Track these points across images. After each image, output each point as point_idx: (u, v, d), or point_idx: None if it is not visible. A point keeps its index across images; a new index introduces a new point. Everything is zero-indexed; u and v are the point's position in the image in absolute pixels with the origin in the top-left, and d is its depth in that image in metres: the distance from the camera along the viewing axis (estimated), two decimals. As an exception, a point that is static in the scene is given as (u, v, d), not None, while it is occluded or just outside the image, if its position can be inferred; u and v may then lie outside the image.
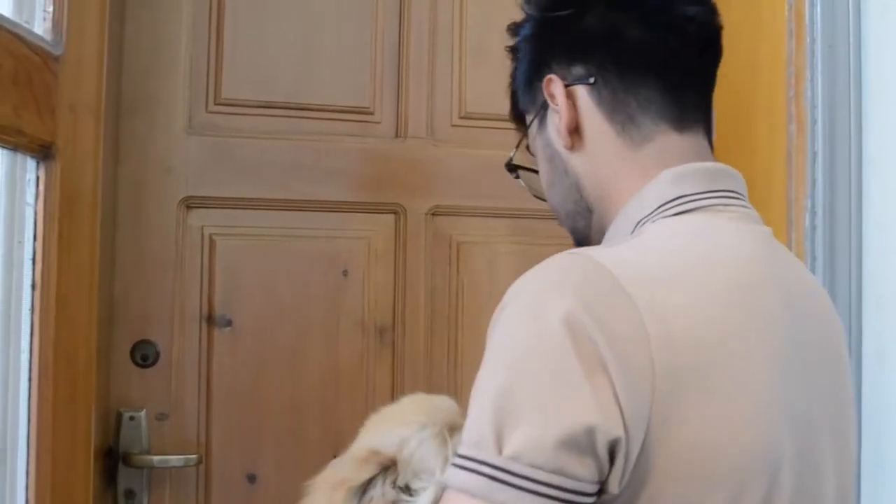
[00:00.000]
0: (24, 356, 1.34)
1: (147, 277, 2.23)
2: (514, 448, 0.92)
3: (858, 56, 1.94)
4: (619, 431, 0.92)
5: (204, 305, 2.27)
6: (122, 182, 2.21)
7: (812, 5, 1.95)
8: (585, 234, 1.30)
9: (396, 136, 2.36)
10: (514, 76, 1.40)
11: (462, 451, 0.96)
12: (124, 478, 2.16)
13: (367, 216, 2.32)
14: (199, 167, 2.25)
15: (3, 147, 1.31)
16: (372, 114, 2.36)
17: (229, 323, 2.28)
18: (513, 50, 1.39)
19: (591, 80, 1.23)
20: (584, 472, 0.91)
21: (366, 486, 1.10)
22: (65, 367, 1.36)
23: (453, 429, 1.15)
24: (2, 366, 1.33)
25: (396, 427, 1.16)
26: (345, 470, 1.12)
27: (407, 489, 1.10)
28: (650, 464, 0.95)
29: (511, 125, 1.47)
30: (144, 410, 2.19)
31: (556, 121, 1.26)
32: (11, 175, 1.33)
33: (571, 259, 1.04)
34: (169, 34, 2.25)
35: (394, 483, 1.08)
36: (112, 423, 2.14)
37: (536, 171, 1.39)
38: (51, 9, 1.35)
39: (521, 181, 1.46)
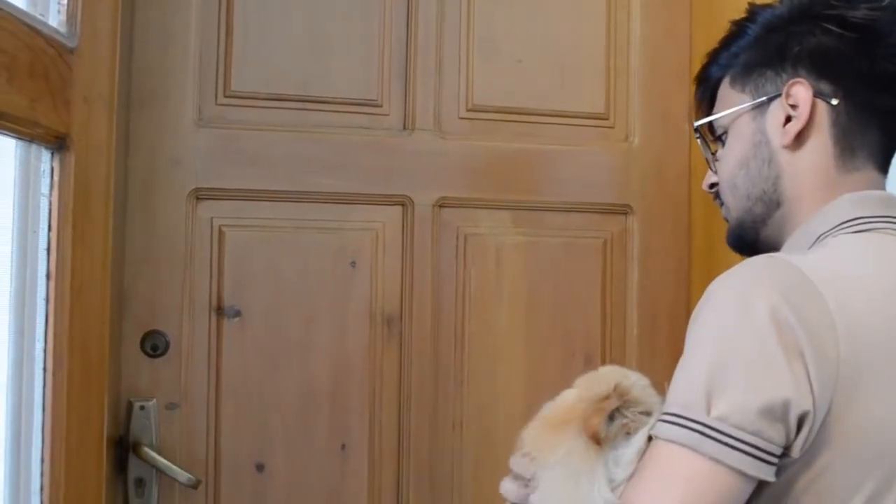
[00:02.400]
0: (39, 345, 1.33)
1: (157, 268, 2.21)
2: (722, 410, 1.08)
3: None
4: (808, 406, 1.09)
5: (213, 296, 2.26)
6: (133, 174, 2.20)
7: None
8: (759, 219, 1.42)
9: (404, 128, 2.34)
10: (735, 46, 1.46)
11: (671, 410, 1.13)
12: (134, 467, 2.15)
13: (374, 208, 2.30)
14: (209, 159, 2.24)
15: (19, 138, 1.29)
16: (380, 106, 2.33)
17: (238, 313, 2.27)
18: (750, 21, 1.44)
19: (835, 102, 1.33)
20: (776, 436, 1.08)
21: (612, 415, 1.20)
22: (78, 355, 1.35)
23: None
24: (17, 354, 1.32)
25: (605, 371, 1.28)
26: (577, 408, 1.22)
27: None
28: (827, 438, 1.11)
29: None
30: (154, 400, 2.19)
31: (781, 118, 1.36)
32: (26, 166, 1.32)
33: (773, 261, 1.21)
34: (178, 27, 2.23)
35: (622, 417, 1.19)
36: (123, 413, 2.13)
37: (714, 141, 1.49)
38: (65, 1, 1.34)
39: (699, 141, 1.53)
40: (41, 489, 1.33)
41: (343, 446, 2.27)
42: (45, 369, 1.33)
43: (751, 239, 1.46)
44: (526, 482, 1.27)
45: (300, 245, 2.29)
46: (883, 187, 1.37)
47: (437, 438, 2.30)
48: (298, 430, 2.27)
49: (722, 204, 1.50)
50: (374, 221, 2.31)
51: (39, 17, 1.33)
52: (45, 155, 1.34)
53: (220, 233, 2.26)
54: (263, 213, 2.27)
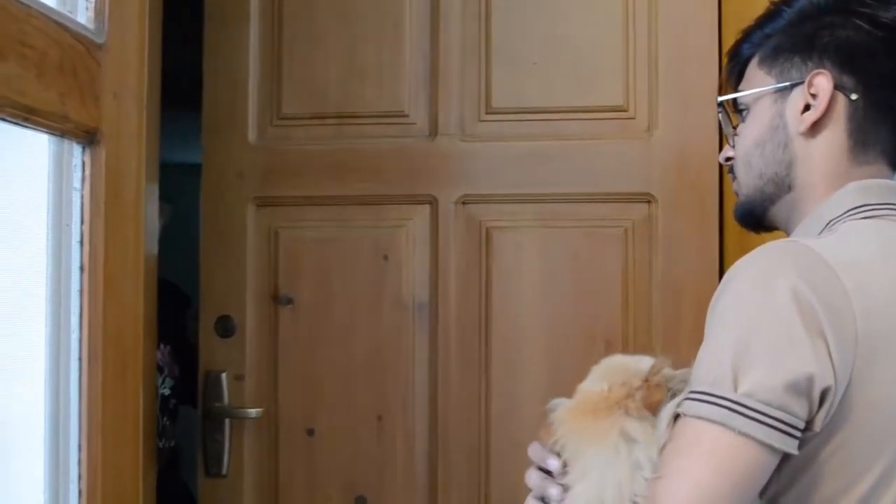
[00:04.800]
0: (74, 335, 1.04)
1: (226, 264, 2.10)
2: (749, 387, 0.91)
3: None
4: (830, 381, 0.91)
5: (270, 287, 2.10)
6: (206, 187, 2.12)
7: None
8: (768, 199, 1.17)
9: (430, 134, 2.05)
10: (769, 27, 1.18)
11: (698, 388, 0.94)
12: (210, 427, 2.08)
13: (404, 207, 2.05)
14: (265, 172, 2.10)
15: (51, 133, 1.01)
16: (407, 116, 2.06)
17: (291, 301, 2.09)
18: (787, 5, 1.17)
19: (855, 97, 1.09)
20: (800, 411, 0.91)
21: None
22: (113, 345, 1.07)
23: None
24: (54, 345, 1.04)
25: (631, 358, 1.06)
26: (614, 393, 1.00)
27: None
28: (846, 412, 0.94)
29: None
30: (225, 373, 2.08)
31: (800, 105, 1.11)
32: (59, 160, 1.04)
33: (791, 245, 1.02)
34: (239, 66, 2.11)
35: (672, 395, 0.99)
36: (201, 383, 2.10)
37: (735, 115, 1.23)
38: None
39: (720, 115, 1.26)
40: (79, 477, 1.04)
41: (379, 417, 2.03)
42: (80, 359, 1.04)
43: (758, 215, 1.20)
44: (554, 473, 1.03)
45: (341, 242, 2.08)
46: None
47: (465, 413, 2.01)
48: (341, 401, 2.06)
49: (735, 178, 1.23)
50: (405, 219, 2.05)
51: (68, 13, 1.04)
52: (77, 149, 1.05)
53: (276, 234, 2.10)
54: (310, 216, 2.09)
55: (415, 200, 2.01)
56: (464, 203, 2.01)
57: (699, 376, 0.95)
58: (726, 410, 0.90)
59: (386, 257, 2.03)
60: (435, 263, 2.01)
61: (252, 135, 2.11)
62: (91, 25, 1.03)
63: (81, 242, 1.02)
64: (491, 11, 2.00)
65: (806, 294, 0.91)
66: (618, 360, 1.06)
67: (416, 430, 2.01)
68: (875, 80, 1.08)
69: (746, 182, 1.18)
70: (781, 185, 1.14)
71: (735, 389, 0.90)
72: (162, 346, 2.24)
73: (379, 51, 2.05)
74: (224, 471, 2.07)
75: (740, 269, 0.98)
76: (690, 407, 0.93)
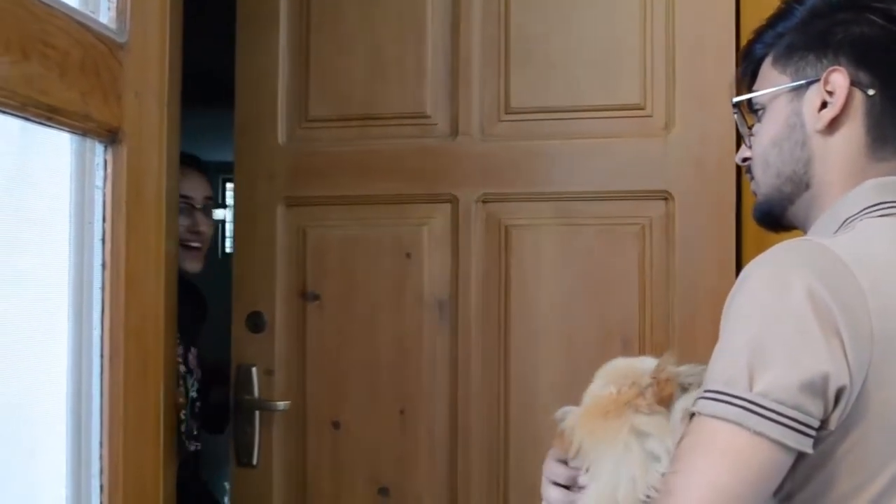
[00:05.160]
0: (96, 332, 0.99)
1: (257, 262, 2.08)
2: (764, 386, 0.87)
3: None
4: (845, 381, 0.87)
5: (299, 284, 2.06)
6: (238, 188, 2.11)
7: None
8: (787, 198, 1.11)
9: (451, 134, 1.98)
10: (781, 26, 1.12)
11: (713, 387, 0.90)
12: (241, 419, 2.07)
13: (425, 206, 1.99)
14: (294, 173, 2.07)
15: (73, 132, 0.97)
16: (429, 117, 2.00)
17: (318, 297, 2.05)
18: (799, 3, 1.11)
19: (872, 92, 1.03)
20: (815, 410, 0.87)
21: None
22: (134, 341, 1.02)
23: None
24: (76, 341, 0.99)
25: (637, 359, 1.04)
26: (630, 393, 0.97)
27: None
28: (861, 411, 0.89)
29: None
30: (255, 367, 2.06)
31: (817, 103, 1.05)
32: (81, 159, 0.99)
33: (806, 244, 0.97)
34: (268, 71, 2.08)
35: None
36: (233, 377, 2.08)
37: (751, 115, 1.17)
38: None
39: (736, 116, 1.19)
40: (101, 472, 1.00)
41: (401, 411, 1.98)
42: (102, 355, 0.99)
43: (777, 214, 1.14)
44: (571, 487, 1.01)
45: (365, 240, 2.03)
46: None
47: (484, 406, 1.95)
48: (366, 395, 2.02)
49: (753, 178, 1.16)
50: (426, 217, 2.00)
51: (90, 14, 0.99)
52: (99, 148, 1.00)
53: (304, 232, 2.07)
54: (336, 215, 2.05)
55: (436, 199, 1.96)
56: (484, 201, 1.94)
57: (714, 375, 0.91)
58: (741, 410, 0.86)
59: (408, 255, 1.98)
60: (455, 261, 1.96)
61: (282, 137, 2.08)
62: (113, 25, 0.98)
63: (103, 240, 0.97)
64: (510, 13, 1.93)
65: (821, 293, 0.87)
66: (621, 363, 1.03)
67: (436, 424, 1.96)
68: (892, 75, 1.03)
69: (765, 181, 1.12)
70: (799, 184, 1.08)
71: (750, 389, 0.86)
72: (193, 349, 2.18)
73: (402, 54, 2.00)
74: (254, 461, 2.05)
75: (755, 269, 0.94)
76: (705, 406, 0.89)
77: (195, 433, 2.17)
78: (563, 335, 1.89)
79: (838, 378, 0.86)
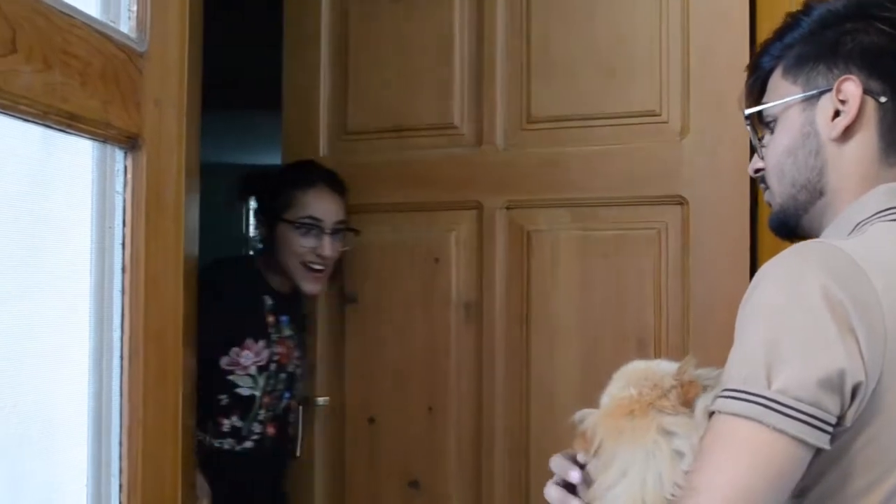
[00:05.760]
0: (116, 334, 0.92)
1: None
2: (782, 384, 0.82)
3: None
4: (861, 377, 0.82)
5: (338, 287, 2.04)
6: None
7: None
8: (801, 207, 1.04)
9: (476, 144, 1.91)
10: (789, 38, 1.05)
11: (732, 385, 0.85)
12: None
13: (453, 213, 1.94)
14: None
15: (94, 139, 0.90)
16: (457, 128, 1.93)
17: (355, 299, 2.03)
18: (805, 15, 1.04)
19: (884, 100, 0.97)
20: (832, 407, 0.82)
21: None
22: (154, 344, 0.95)
23: None
24: (97, 344, 0.92)
25: (651, 363, 0.97)
26: (651, 394, 0.90)
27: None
28: (877, 407, 0.84)
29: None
30: None
31: (830, 112, 0.99)
32: (102, 165, 0.92)
33: (820, 245, 0.92)
34: (312, 86, 2.08)
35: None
36: None
37: (763, 128, 1.10)
38: (135, 8, 0.93)
39: (749, 128, 1.11)
40: (120, 471, 0.92)
41: (430, 408, 1.92)
42: (122, 357, 0.92)
43: (793, 224, 1.06)
44: (577, 484, 0.94)
45: (397, 246, 1.99)
46: None
47: (508, 404, 1.86)
48: (398, 393, 1.98)
49: (767, 188, 1.10)
50: (453, 224, 1.94)
51: (111, 23, 0.92)
52: (119, 154, 0.93)
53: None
54: (372, 222, 2.01)
55: (463, 206, 1.89)
56: (507, 208, 1.86)
57: (731, 374, 0.86)
58: (760, 407, 0.81)
59: (437, 260, 1.92)
60: (480, 266, 1.88)
61: (323, 149, 2.06)
62: (133, 34, 0.91)
63: (123, 244, 0.90)
64: (531, 26, 1.85)
65: (835, 291, 0.82)
66: (640, 367, 0.97)
67: (462, 421, 1.88)
68: None
69: (780, 191, 1.06)
70: (814, 192, 1.02)
71: (769, 387, 0.82)
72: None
73: (432, 68, 1.95)
74: (298, 452, 2.02)
75: (769, 270, 0.89)
76: (724, 404, 0.84)
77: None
78: (581, 336, 1.80)
79: (854, 374, 0.81)
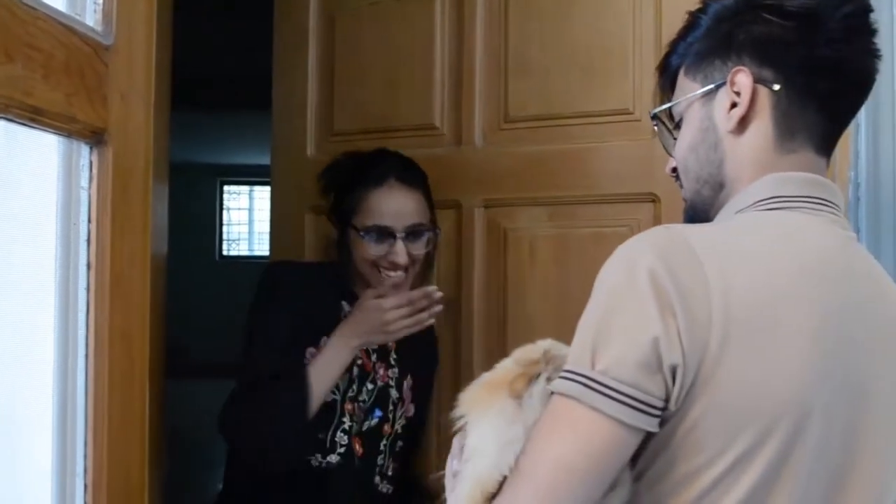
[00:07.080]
0: (81, 332, 0.88)
1: None
2: (604, 364, 0.82)
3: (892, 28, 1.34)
4: (678, 360, 0.80)
5: None
6: (274, 197, 2.11)
7: None
8: (707, 201, 1.02)
9: (456, 144, 1.88)
10: (691, 37, 1.03)
11: (566, 367, 0.86)
12: None
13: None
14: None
15: (58, 134, 0.87)
16: (437, 128, 1.91)
17: None
18: (703, 13, 1.02)
19: (776, 87, 0.94)
20: (655, 389, 0.81)
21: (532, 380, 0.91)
22: (119, 342, 0.91)
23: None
24: (62, 342, 0.89)
25: (541, 343, 0.96)
26: (512, 372, 0.92)
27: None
28: (699, 392, 0.81)
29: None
30: None
31: (726, 104, 0.97)
32: (67, 160, 0.89)
33: (662, 230, 0.91)
34: (301, 88, 2.07)
35: (548, 379, 0.90)
36: None
37: (671, 129, 1.08)
38: (101, 1, 0.90)
39: (656, 128, 1.11)
40: (85, 471, 0.89)
41: None
42: (87, 355, 0.88)
43: (702, 218, 1.04)
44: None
45: None
46: (821, 168, 0.97)
47: None
48: None
49: (681, 186, 1.08)
50: None
51: (76, 16, 0.88)
52: (84, 149, 0.89)
53: (329, 239, 1.91)
54: None
55: (442, 206, 1.81)
56: (485, 207, 1.83)
57: (569, 356, 0.87)
58: (582, 387, 0.82)
59: (418, 258, 1.87)
60: (459, 263, 1.85)
61: (310, 150, 2.04)
62: (99, 27, 0.87)
63: (89, 241, 0.86)
64: (509, 32, 1.82)
65: (660, 275, 0.82)
66: (539, 344, 0.96)
67: (441, 420, 1.80)
68: (794, 69, 0.94)
69: (687, 187, 1.04)
70: (715, 185, 1.00)
71: (592, 367, 0.82)
72: (411, 377, 1.79)
73: (413, 69, 1.92)
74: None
75: (615, 253, 0.89)
76: (556, 384, 0.86)
77: (390, 474, 1.69)
78: (559, 333, 1.67)
79: (670, 357, 0.80)
